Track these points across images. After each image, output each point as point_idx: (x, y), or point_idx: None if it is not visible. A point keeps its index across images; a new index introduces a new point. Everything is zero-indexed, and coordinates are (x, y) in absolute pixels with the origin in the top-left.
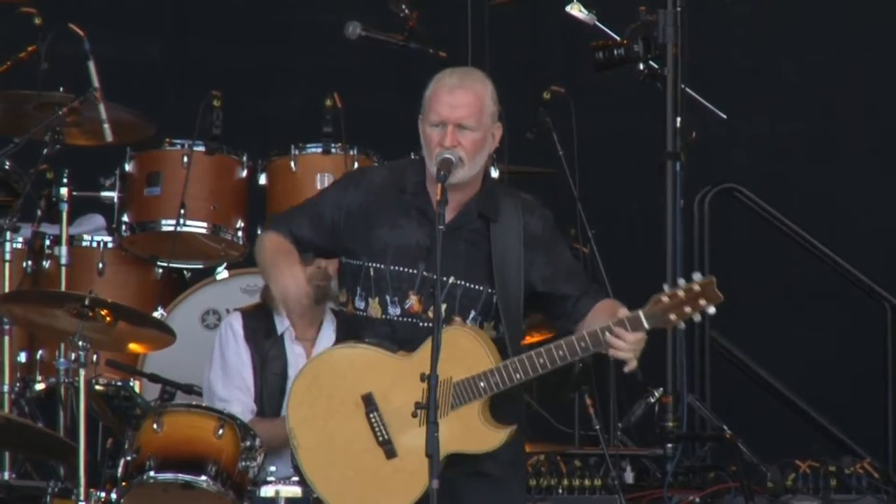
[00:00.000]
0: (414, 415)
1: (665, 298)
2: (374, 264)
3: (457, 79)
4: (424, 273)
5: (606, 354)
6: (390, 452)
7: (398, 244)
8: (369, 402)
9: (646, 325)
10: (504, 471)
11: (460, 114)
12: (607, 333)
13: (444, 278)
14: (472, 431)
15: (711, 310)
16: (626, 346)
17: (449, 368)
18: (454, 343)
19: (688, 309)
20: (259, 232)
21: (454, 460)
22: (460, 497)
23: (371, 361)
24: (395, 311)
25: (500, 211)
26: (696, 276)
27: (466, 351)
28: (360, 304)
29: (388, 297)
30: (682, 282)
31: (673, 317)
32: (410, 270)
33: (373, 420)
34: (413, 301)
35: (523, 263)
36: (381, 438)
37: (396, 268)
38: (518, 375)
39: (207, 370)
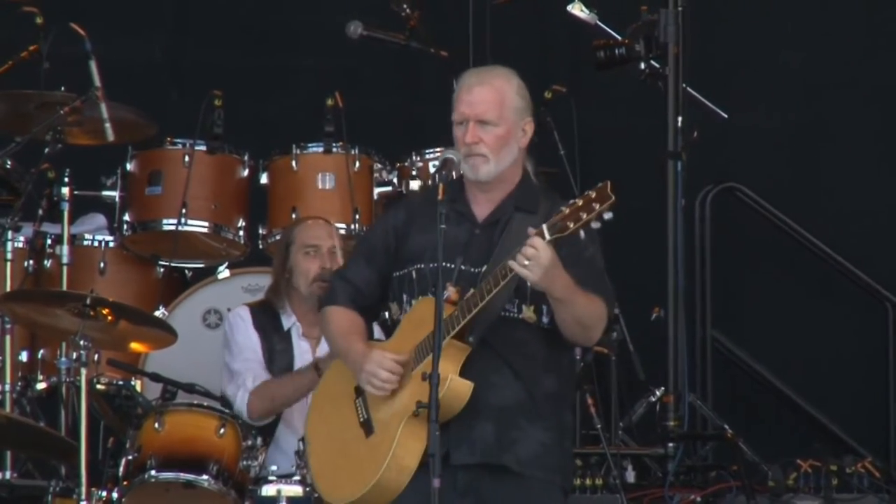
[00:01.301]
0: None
1: (565, 210)
2: (416, 266)
3: (476, 77)
4: (462, 267)
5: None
6: (369, 430)
7: (436, 243)
8: (359, 390)
9: (547, 234)
10: (523, 467)
11: (479, 110)
12: (518, 254)
13: (479, 269)
14: (427, 388)
15: (608, 215)
16: (528, 252)
17: (414, 337)
18: (421, 310)
19: (583, 214)
20: (261, 231)
21: (469, 448)
22: (477, 491)
23: None
24: None
25: (538, 204)
26: (598, 185)
27: (428, 314)
28: (408, 309)
29: (429, 294)
30: (586, 192)
31: (571, 224)
32: (448, 265)
33: (357, 404)
34: (451, 292)
35: None
36: (361, 419)
37: (435, 265)
38: (458, 319)
39: (222, 359)
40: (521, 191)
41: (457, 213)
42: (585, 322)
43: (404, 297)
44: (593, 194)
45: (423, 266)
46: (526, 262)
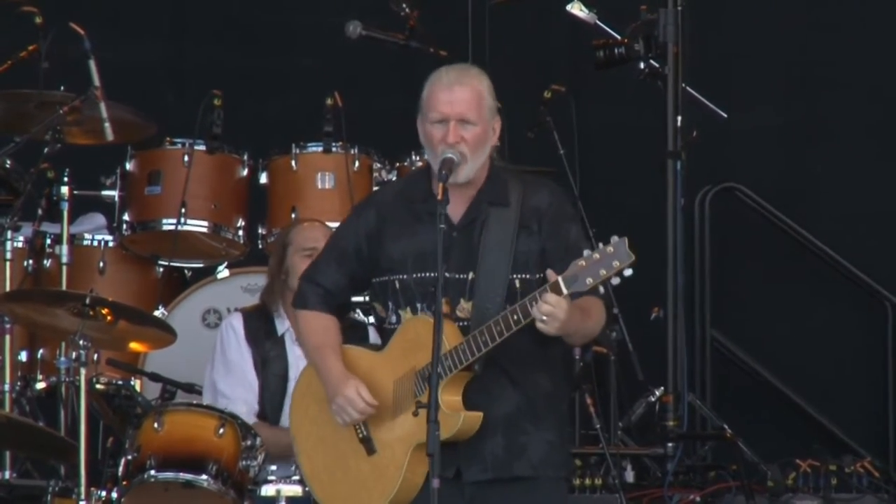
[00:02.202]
0: (400, 408)
1: (582, 262)
2: (398, 276)
3: (455, 75)
4: (447, 274)
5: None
6: (370, 449)
7: (417, 251)
8: None
9: (564, 289)
10: (537, 470)
11: (461, 109)
12: (534, 303)
13: (464, 275)
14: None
15: (628, 272)
16: (545, 310)
17: (412, 357)
18: (416, 331)
19: (603, 271)
20: (260, 230)
21: (481, 464)
22: (487, 500)
23: (353, 360)
24: (425, 316)
25: (509, 195)
26: (613, 239)
27: (427, 336)
28: (393, 319)
29: (417, 305)
30: (600, 244)
31: (590, 280)
32: (433, 274)
33: None
34: (441, 303)
35: (518, 244)
36: (361, 435)
37: (419, 275)
38: (467, 355)
39: (209, 369)
40: (491, 185)
41: (430, 215)
42: (590, 334)
43: (389, 304)
44: (611, 249)
45: (406, 277)
46: (544, 318)
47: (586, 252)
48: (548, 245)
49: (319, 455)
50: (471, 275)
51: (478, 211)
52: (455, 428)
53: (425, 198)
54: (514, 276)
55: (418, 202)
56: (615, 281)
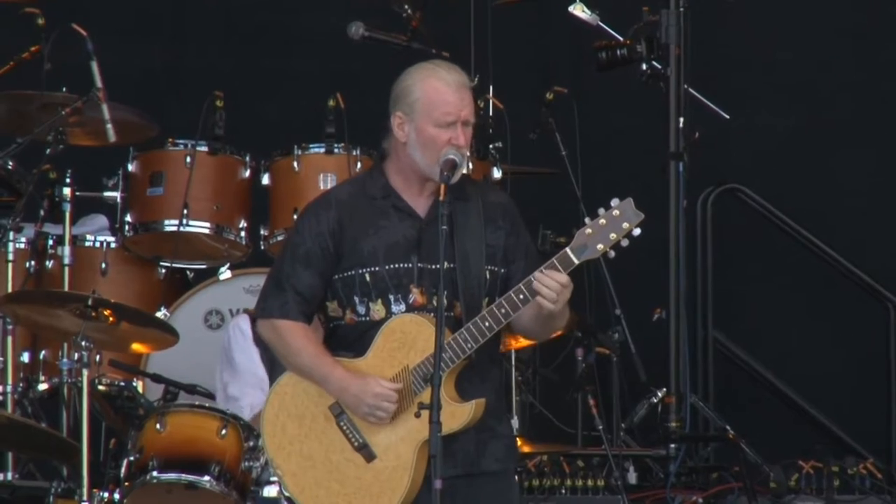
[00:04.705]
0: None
1: (588, 230)
2: (368, 269)
3: (456, 76)
4: (419, 265)
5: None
6: (369, 456)
7: (387, 244)
8: (337, 410)
9: (574, 259)
10: (501, 464)
11: (467, 111)
12: (537, 278)
13: (437, 266)
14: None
15: (636, 231)
16: (555, 287)
17: (403, 357)
18: (402, 330)
19: (613, 234)
20: (262, 232)
21: (451, 460)
22: (454, 495)
23: None
24: (399, 307)
25: (467, 191)
26: (614, 202)
27: (415, 335)
28: (361, 310)
29: (390, 297)
30: (601, 210)
31: (600, 245)
32: (406, 265)
33: (344, 427)
34: (416, 294)
35: (486, 237)
36: (356, 444)
37: (392, 266)
38: (469, 344)
39: (218, 372)
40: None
41: (396, 210)
42: (560, 327)
43: (356, 298)
44: (617, 212)
45: (378, 268)
46: (554, 296)
47: (588, 220)
48: (509, 241)
49: (308, 472)
50: (445, 265)
51: (444, 205)
52: (468, 416)
53: (385, 194)
54: (486, 267)
55: (378, 199)
56: (624, 242)
